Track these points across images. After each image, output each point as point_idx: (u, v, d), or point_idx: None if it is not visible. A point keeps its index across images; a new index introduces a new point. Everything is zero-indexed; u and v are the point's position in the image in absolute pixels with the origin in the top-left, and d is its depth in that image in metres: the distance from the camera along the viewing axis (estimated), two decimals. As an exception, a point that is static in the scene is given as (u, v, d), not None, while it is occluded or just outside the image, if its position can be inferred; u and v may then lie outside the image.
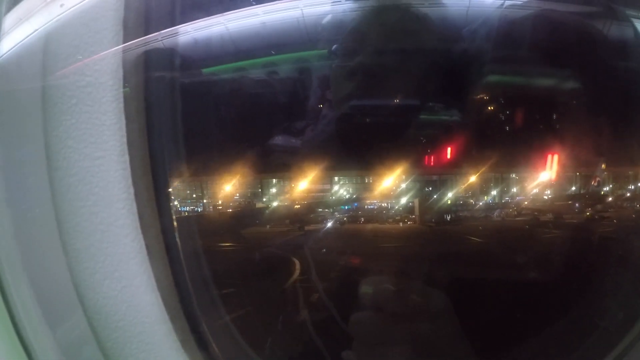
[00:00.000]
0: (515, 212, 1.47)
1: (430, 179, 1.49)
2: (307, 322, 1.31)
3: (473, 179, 1.41)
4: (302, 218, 1.46)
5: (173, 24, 1.16)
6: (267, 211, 1.52)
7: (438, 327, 1.30)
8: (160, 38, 1.10)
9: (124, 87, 0.93)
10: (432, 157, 1.36)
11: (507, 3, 1.41)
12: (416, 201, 1.46)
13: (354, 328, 1.31)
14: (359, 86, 1.48)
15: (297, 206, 1.45)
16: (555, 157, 1.24)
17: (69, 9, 1.03)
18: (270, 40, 1.75)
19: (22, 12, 1.05)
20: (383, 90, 1.51)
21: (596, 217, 1.40)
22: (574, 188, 1.42)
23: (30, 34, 1.03)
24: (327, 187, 1.50)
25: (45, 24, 1.05)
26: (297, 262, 1.32)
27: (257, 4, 1.65)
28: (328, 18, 1.54)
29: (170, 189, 1.01)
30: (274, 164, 1.45)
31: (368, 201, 1.49)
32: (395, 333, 1.31)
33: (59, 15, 1.05)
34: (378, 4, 1.60)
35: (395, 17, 1.51)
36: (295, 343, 1.21)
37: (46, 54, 0.92)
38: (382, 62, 1.49)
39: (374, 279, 1.36)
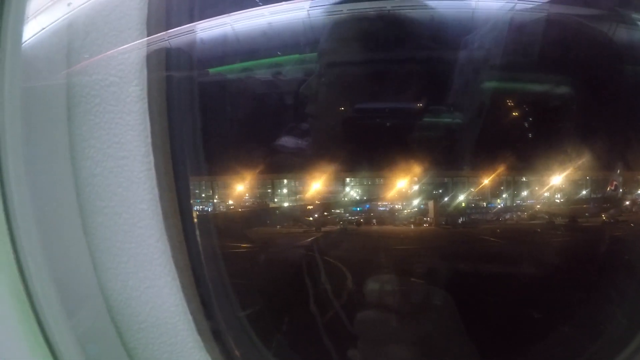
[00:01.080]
0: (530, 215, 1.49)
1: (443, 182, 1.50)
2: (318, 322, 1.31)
3: (486, 181, 1.43)
4: (318, 219, 1.46)
5: (192, 22, 1.16)
6: (280, 211, 1.52)
7: (443, 327, 1.31)
8: (166, 38, 1.10)
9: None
10: (444, 159, 1.37)
11: (517, 6, 1.42)
12: (431, 203, 1.47)
13: (360, 327, 1.31)
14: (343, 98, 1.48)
15: (309, 207, 1.45)
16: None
17: (76, 8, 1.03)
18: (277, 41, 1.76)
19: (29, 10, 1.04)
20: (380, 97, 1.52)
21: (611, 220, 1.42)
22: (584, 192, 1.45)
23: (37, 32, 1.02)
24: (338, 188, 1.51)
25: (52, 22, 1.04)
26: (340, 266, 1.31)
27: (263, 5, 1.65)
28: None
29: (190, 190, 1.01)
30: (284, 164, 1.45)
31: (380, 203, 1.49)
32: (401, 332, 1.31)
33: (66, 14, 1.04)
34: (369, 10, 1.61)
35: (386, 22, 1.51)
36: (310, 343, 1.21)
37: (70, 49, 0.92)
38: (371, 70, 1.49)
39: (379, 277, 1.36)
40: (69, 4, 1.05)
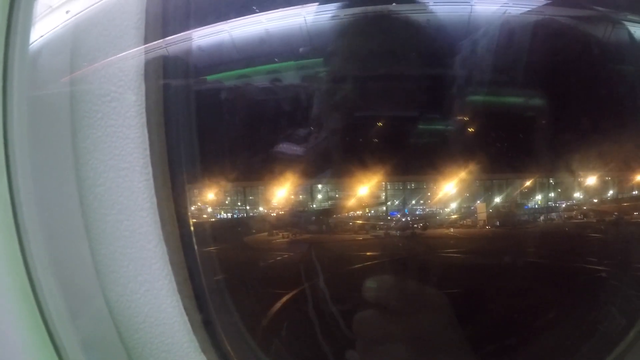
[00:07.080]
0: (578, 214, 1.45)
1: (482, 184, 1.48)
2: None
3: (528, 183, 1.43)
4: (389, 224, 1.45)
5: (188, 29, 1.20)
6: (327, 216, 1.49)
7: (440, 327, 1.34)
8: (164, 45, 1.14)
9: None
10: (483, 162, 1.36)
11: (509, 10, 1.43)
12: (482, 205, 1.45)
13: (357, 328, 1.35)
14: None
15: (358, 212, 1.44)
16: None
17: (75, 16, 1.08)
18: (274, 48, 1.79)
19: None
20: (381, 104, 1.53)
21: None
22: (613, 191, 1.41)
23: (35, 40, 1.07)
24: (378, 193, 1.48)
25: (50, 30, 1.09)
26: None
27: (260, 12, 1.68)
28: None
29: (187, 198, 1.07)
30: (304, 170, 1.45)
31: (424, 207, 1.48)
32: (400, 332, 1.34)
33: (64, 22, 1.09)
34: (372, 12, 1.62)
35: (385, 26, 1.53)
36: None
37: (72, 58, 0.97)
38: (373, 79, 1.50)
39: (378, 278, 1.39)
40: (67, 12, 1.10)
